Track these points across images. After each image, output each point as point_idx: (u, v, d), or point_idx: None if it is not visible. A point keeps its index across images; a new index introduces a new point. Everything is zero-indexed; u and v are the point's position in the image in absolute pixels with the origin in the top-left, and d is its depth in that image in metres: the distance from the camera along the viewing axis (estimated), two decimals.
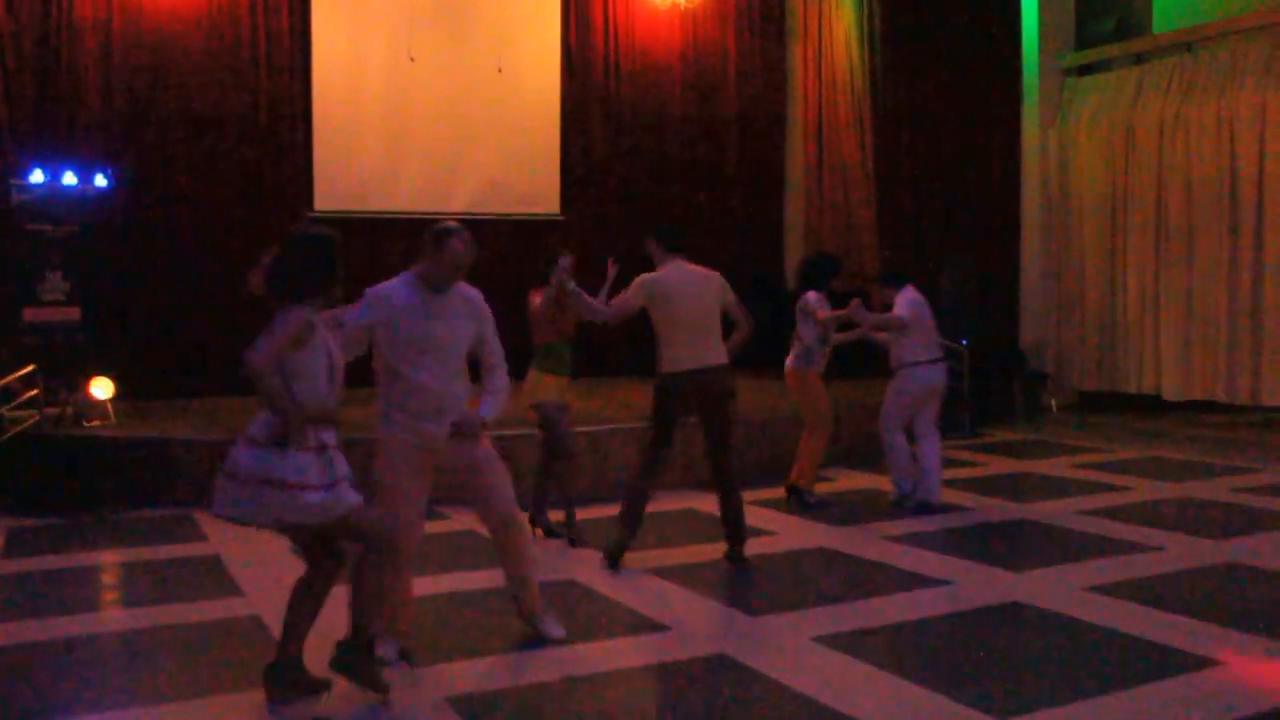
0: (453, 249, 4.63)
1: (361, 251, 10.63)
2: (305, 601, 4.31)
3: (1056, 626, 5.21)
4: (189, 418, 9.63)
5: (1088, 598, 5.61)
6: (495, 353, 4.83)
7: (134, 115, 11.44)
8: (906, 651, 4.90)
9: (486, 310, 4.81)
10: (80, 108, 11.21)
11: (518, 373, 6.62)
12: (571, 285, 6.21)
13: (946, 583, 5.94)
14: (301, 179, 12.23)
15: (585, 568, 6.30)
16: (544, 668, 4.70)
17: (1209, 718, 4.08)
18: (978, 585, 5.91)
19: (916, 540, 6.93)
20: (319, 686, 4.33)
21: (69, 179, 9.77)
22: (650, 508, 6.97)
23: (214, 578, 6.26)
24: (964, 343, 11.71)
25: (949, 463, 9.15)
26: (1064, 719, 4.08)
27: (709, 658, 4.84)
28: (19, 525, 7.61)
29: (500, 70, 12.85)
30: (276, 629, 4.42)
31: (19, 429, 8.50)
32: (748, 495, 8.22)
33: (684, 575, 6.18)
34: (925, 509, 7.74)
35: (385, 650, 4.54)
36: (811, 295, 7.87)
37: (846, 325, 8.00)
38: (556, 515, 7.03)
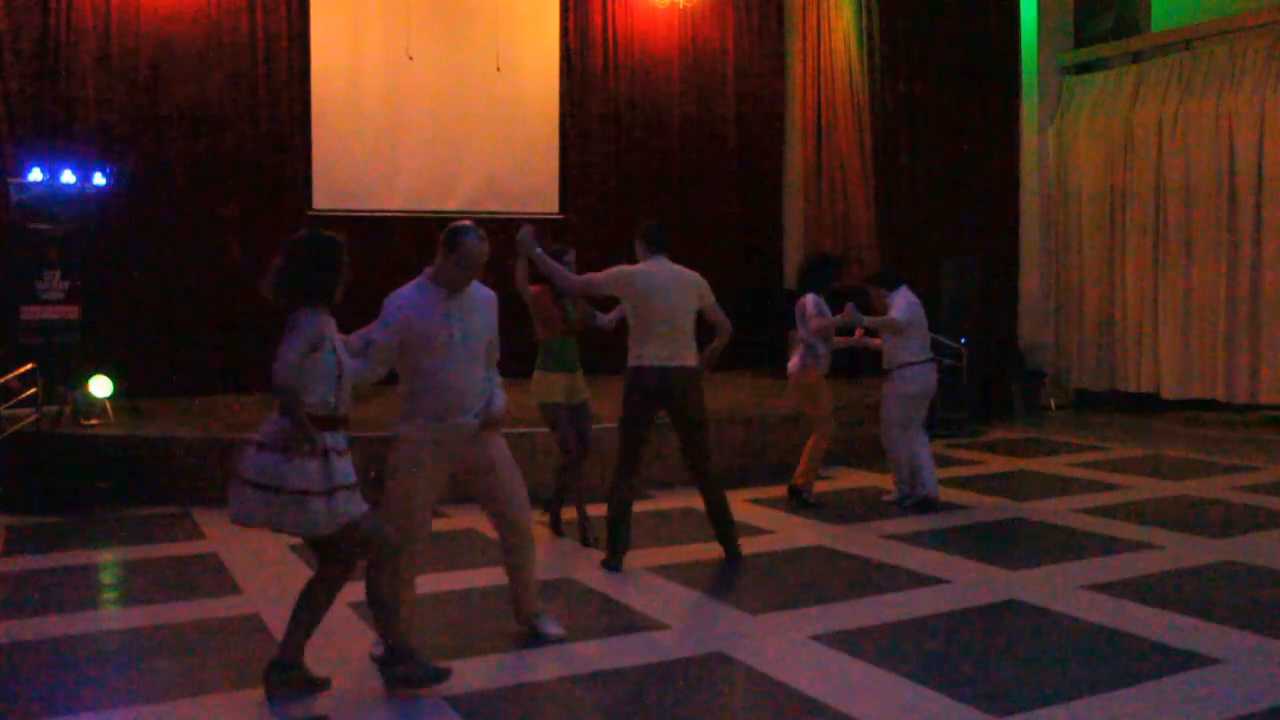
0: (469, 247, 4.65)
1: (360, 250, 10.54)
2: (311, 603, 4.31)
3: (1055, 625, 5.21)
4: (188, 416, 9.63)
5: (1086, 596, 5.61)
6: (494, 346, 4.88)
7: (133, 114, 11.45)
8: (905, 650, 4.90)
9: (495, 312, 4.86)
10: (79, 107, 11.22)
11: (520, 371, 6.66)
12: (537, 249, 6.01)
13: (945, 581, 5.94)
14: (300, 178, 12.25)
15: (585, 567, 6.30)
16: (544, 667, 4.71)
17: (1207, 716, 4.08)
18: (976, 584, 5.91)
19: (915, 539, 6.94)
20: (319, 685, 4.33)
21: (68, 178, 9.77)
22: (650, 507, 6.98)
23: (213, 576, 6.26)
24: (963, 341, 11.72)
25: (948, 461, 9.18)
26: (1062, 717, 4.08)
27: (708, 656, 4.84)
28: (18, 524, 7.61)
29: (499, 69, 12.86)
30: (275, 627, 4.42)
31: (18, 428, 8.50)
32: (748, 494, 8.28)
33: (683, 574, 6.17)
34: (928, 505, 7.77)
35: (375, 648, 4.56)
36: (809, 299, 7.86)
37: (845, 330, 8.01)
38: (569, 513, 7.02)
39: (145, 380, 10.44)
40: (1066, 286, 13.16)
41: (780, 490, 8.15)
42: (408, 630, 4.58)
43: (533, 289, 6.70)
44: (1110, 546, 6.69)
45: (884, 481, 8.46)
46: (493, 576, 5.98)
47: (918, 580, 5.99)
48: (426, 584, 5.58)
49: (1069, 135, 13.10)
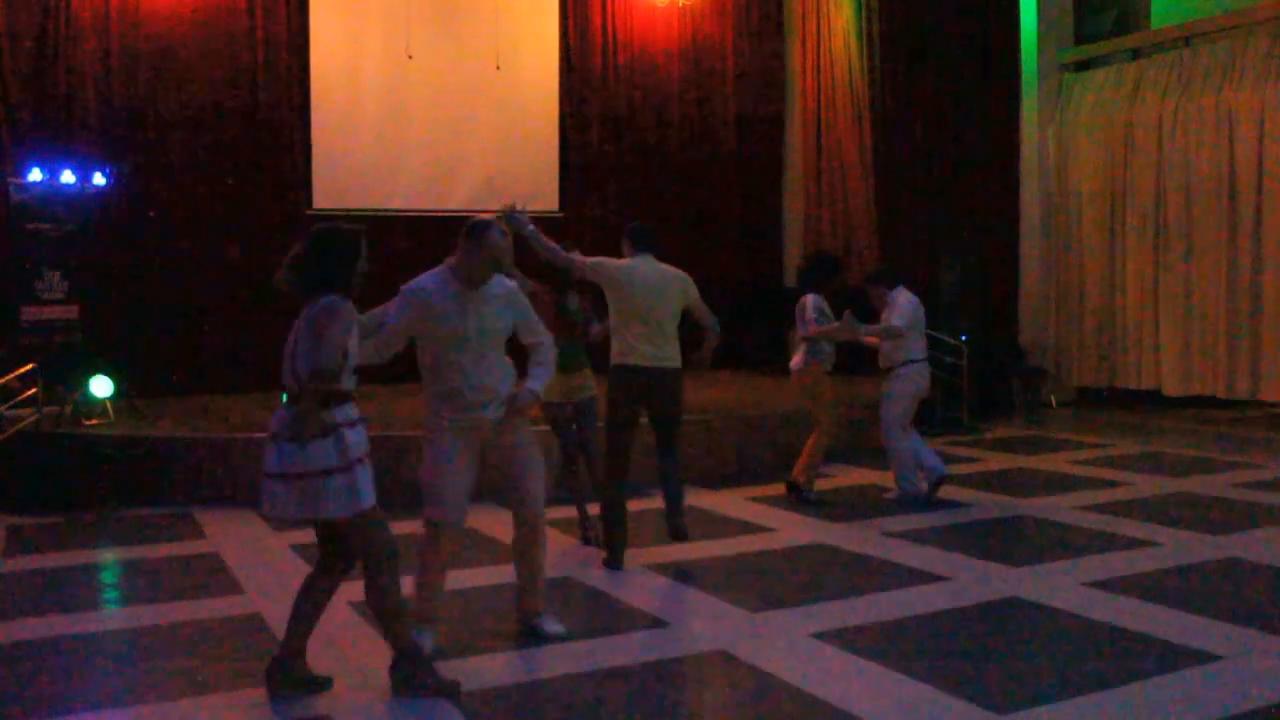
0: (492, 240, 4.67)
1: None
2: (310, 600, 4.31)
3: (1055, 622, 5.21)
4: (187, 416, 9.62)
5: (1087, 593, 5.61)
6: (534, 331, 4.90)
7: (132, 114, 11.45)
8: (906, 647, 4.90)
9: (520, 297, 4.88)
10: (78, 106, 11.22)
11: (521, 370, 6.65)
12: (529, 226, 5.91)
13: (945, 579, 5.94)
14: (300, 177, 12.24)
15: (586, 565, 6.30)
16: (545, 665, 4.71)
17: (1208, 713, 4.08)
18: (977, 581, 5.91)
19: (916, 536, 6.94)
20: (320, 684, 4.34)
21: (67, 178, 9.77)
22: (651, 505, 6.98)
23: (213, 576, 6.27)
24: (964, 339, 11.72)
25: (949, 459, 9.18)
26: (1064, 714, 4.08)
27: (709, 654, 4.85)
28: (18, 524, 7.62)
29: (499, 67, 12.86)
30: (276, 626, 4.42)
31: (18, 427, 8.51)
32: (748, 492, 8.31)
33: (684, 572, 6.18)
34: (940, 483, 7.89)
35: (423, 640, 4.63)
36: (810, 299, 7.88)
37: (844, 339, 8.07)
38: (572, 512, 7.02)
39: (145, 380, 10.44)
40: (1067, 284, 13.15)
41: (780, 488, 8.16)
42: (434, 624, 4.70)
43: (533, 285, 6.70)
44: (1111, 544, 6.69)
45: (885, 479, 8.47)
46: (493, 575, 5.99)
47: (918, 578, 5.99)
48: None
49: (1069, 132, 13.09)
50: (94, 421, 8.92)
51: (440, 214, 12.33)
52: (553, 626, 5.01)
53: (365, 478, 4.13)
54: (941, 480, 7.96)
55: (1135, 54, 12.92)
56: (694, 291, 6.32)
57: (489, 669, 4.65)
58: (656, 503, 7.44)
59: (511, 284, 4.89)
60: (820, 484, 8.24)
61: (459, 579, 6.03)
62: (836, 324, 7.78)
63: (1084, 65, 13.32)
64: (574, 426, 6.77)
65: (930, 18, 13.15)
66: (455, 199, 12.69)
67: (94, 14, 11.29)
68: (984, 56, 13.28)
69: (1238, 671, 4.49)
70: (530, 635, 4.99)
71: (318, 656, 4.44)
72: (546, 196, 13.28)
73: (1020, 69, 13.34)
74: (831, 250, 12.24)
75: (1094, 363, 12.88)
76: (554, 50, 13.47)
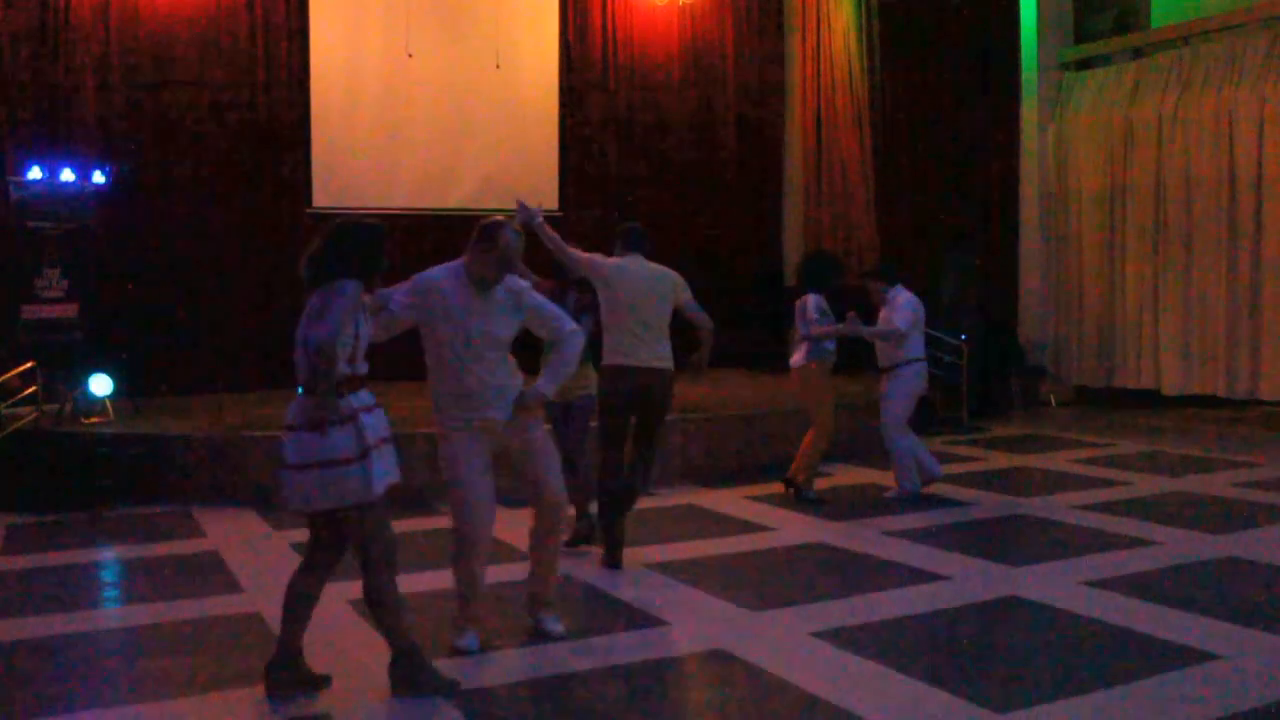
0: (507, 241, 4.66)
1: None
2: (300, 594, 4.31)
3: (1054, 621, 5.21)
4: (187, 415, 9.62)
5: (1086, 592, 5.61)
6: (555, 328, 4.87)
7: (132, 113, 11.45)
8: (905, 646, 4.90)
9: (533, 297, 4.85)
10: (78, 105, 11.22)
11: (528, 368, 6.66)
12: (538, 218, 5.91)
13: (945, 578, 5.95)
14: (300, 176, 12.24)
15: (585, 564, 6.30)
16: (544, 664, 4.71)
17: (1207, 713, 4.08)
18: (976, 580, 5.91)
19: (915, 535, 6.94)
20: (319, 683, 4.34)
21: (67, 176, 9.77)
22: (650, 504, 6.98)
23: (213, 574, 6.27)
24: (963, 338, 11.72)
25: (948, 458, 9.19)
26: (1062, 714, 4.08)
27: (708, 653, 4.85)
28: (18, 522, 7.62)
29: (499, 66, 12.85)
30: (275, 625, 4.42)
31: (18, 426, 8.51)
32: (747, 491, 8.33)
33: (683, 570, 6.17)
34: (916, 498, 7.91)
35: (468, 640, 4.73)
36: (810, 299, 7.88)
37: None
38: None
39: (145, 379, 10.44)
40: (1066, 283, 13.15)
41: (779, 487, 8.16)
42: (479, 622, 4.72)
43: (538, 281, 6.71)
44: (1110, 543, 6.68)
45: (884, 478, 8.47)
46: (493, 574, 5.98)
47: (917, 576, 5.99)
48: (428, 582, 5.62)
49: (1069, 132, 13.09)
50: (93, 420, 8.92)
51: (440, 213, 12.33)
52: (554, 626, 5.01)
53: (381, 463, 4.13)
54: (932, 480, 8.03)
55: (1135, 53, 12.91)
56: (686, 292, 6.31)
57: (488, 667, 4.66)
58: (655, 502, 7.45)
59: (524, 284, 4.87)
60: (819, 483, 8.24)
61: None
62: (838, 325, 7.79)
63: (1084, 65, 13.31)
64: (565, 424, 6.77)
65: (930, 17, 13.14)
66: (455, 198, 12.69)
67: (94, 14, 11.29)
68: (984, 56, 13.27)
69: (1237, 671, 4.49)
70: (531, 632, 4.99)
71: (317, 655, 4.45)
72: (546, 196, 13.26)
73: (1020, 68, 13.33)
74: (831, 250, 12.24)
75: (1093, 362, 12.88)
76: (554, 50, 13.47)
